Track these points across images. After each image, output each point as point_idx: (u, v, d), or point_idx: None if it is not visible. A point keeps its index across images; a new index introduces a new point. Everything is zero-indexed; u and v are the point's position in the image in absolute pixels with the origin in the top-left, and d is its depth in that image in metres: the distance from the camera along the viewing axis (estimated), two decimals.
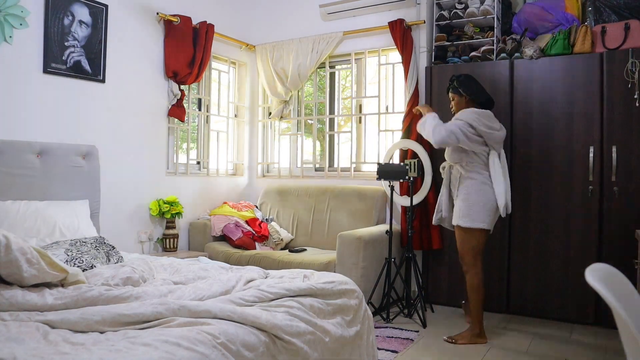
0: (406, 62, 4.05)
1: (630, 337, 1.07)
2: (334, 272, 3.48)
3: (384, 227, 3.84)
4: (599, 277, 1.17)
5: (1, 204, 2.79)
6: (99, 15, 3.52)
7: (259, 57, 4.89)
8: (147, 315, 1.70)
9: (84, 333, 1.64)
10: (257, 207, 4.56)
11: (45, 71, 3.23)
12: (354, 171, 4.56)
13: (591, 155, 3.42)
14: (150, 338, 1.50)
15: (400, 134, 4.10)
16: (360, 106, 4.60)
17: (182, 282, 2.33)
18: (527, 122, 3.65)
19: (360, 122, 4.58)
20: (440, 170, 3.49)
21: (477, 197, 3.10)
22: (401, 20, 4.05)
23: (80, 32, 3.42)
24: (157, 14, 3.95)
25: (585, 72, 3.46)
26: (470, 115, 3.11)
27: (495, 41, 3.80)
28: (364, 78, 4.50)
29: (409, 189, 3.71)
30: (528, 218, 3.63)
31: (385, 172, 3.65)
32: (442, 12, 4.05)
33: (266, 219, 4.32)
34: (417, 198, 3.80)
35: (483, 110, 3.20)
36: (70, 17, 3.35)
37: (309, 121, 4.87)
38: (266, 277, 2.43)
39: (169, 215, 3.93)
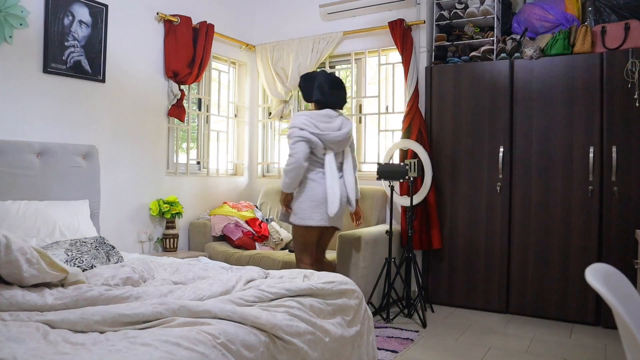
0: (406, 62, 4.05)
1: (630, 337, 1.07)
2: (334, 272, 3.48)
3: (384, 227, 3.84)
4: (599, 277, 1.17)
5: (1, 204, 2.79)
6: (99, 15, 3.52)
7: (259, 57, 4.89)
8: (147, 315, 1.70)
9: (84, 333, 1.64)
10: (257, 207, 4.56)
11: (45, 71, 3.23)
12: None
13: (591, 155, 3.42)
14: (150, 338, 1.50)
15: (400, 133, 4.10)
16: (360, 106, 4.60)
17: (182, 282, 2.33)
18: (527, 122, 3.65)
19: (360, 122, 4.58)
20: None
21: (305, 196, 3.10)
22: (401, 20, 4.05)
23: (80, 32, 3.42)
24: (157, 14, 3.95)
25: (585, 72, 3.47)
26: (299, 119, 3.07)
27: (495, 41, 3.80)
28: (364, 78, 4.50)
29: (409, 189, 3.71)
30: (528, 218, 3.63)
31: (385, 172, 3.65)
32: (442, 12, 4.05)
33: (266, 219, 4.32)
34: (417, 198, 3.80)
35: (319, 110, 3.13)
36: (70, 17, 3.35)
37: None
38: (266, 277, 2.43)
39: (169, 215, 3.93)
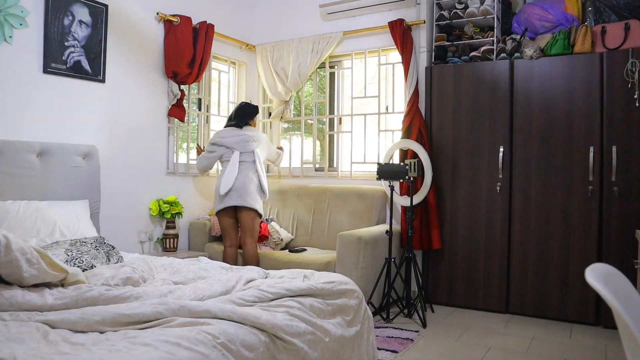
0: (406, 62, 4.05)
1: (630, 337, 1.07)
2: (334, 272, 3.48)
3: (384, 227, 3.84)
4: (599, 277, 1.17)
5: (1, 204, 2.79)
6: (99, 15, 3.52)
7: (259, 57, 4.89)
8: (147, 315, 1.70)
9: (84, 333, 1.64)
10: None
11: (45, 71, 3.23)
12: (354, 171, 4.56)
13: (591, 155, 3.42)
14: (150, 338, 1.50)
15: (400, 133, 4.10)
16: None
17: (182, 282, 2.33)
18: (527, 122, 3.65)
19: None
20: None
21: (214, 190, 3.78)
22: (401, 20, 4.05)
23: (80, 32, 3.42)
24: (157, 14, 3.95)
25: (585, 72, 3.46)
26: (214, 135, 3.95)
27: (495, 41, 3.80)
28: (364, 78, 4.50)
29: (409, 189, 3.71)
30: (528, 218, 3.63)
31: (385, 172, 3.65)
32: (442, 12, 4.05)
33: (266, 219, 4.31)
34: (417, 198, 3.79)
35: (224, 128, 3.91)
36: (70, 17, 3.35)
37: (309, 121, 4.87)
38: (266, 277, 2.43)
39: (169, 215, 3.93)
